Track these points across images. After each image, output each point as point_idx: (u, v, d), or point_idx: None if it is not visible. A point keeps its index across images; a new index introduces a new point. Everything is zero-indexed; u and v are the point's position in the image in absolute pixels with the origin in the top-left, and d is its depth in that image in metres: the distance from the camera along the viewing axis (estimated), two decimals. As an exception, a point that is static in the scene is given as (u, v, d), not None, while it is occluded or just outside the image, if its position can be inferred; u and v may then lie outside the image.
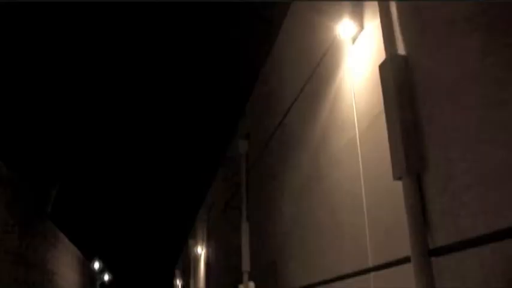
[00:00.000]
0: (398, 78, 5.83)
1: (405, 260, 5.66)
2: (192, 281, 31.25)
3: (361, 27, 7.37)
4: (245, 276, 12.63)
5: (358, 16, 7.45)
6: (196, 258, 29.02)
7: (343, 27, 7.72)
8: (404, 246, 5.61)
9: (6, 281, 14.66)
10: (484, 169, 4.60)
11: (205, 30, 12.59)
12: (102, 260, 43.82)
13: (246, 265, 13.14)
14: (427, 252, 5.29)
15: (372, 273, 6.72)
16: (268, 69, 13.58)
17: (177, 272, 45.11)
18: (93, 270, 40.43)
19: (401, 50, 6.00)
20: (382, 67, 6.12)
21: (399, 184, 5.69)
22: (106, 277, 47.11)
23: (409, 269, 5.53)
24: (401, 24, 6.10)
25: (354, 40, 7.64)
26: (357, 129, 7.35)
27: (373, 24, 6.89)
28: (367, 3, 7.23)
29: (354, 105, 7.50)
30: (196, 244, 29.01)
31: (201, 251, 27.03)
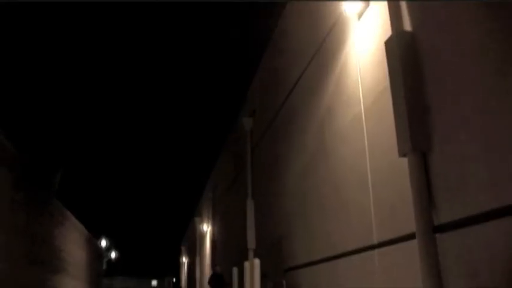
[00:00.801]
0: (404, 54, 5.77)
1: (410, 237, 5.66)
2: (197, 258, 31.54)
3: (367, 3, 7.28)
4: (250, 254, 12.71)
5: (364, -9, 7.36)
6: (202, 236, 29.23)
7: (349, 3, 7.63)
8: (409, 223, 5.61)
9: (15, 258, 14.85)
10: (491, 146, 4.58)
11: (213, 5, 12.49)
12: (108, 237, 44.25)
13: (251, 243, 13.21)
14: (432, 229, 5.30)
15: (377, 250, 6.74)
16: (274, 47, 13.49)
17: (183, 249, 45.50)
18: (100, 247, 40.81)
19: (407, 26, 5.93)
20: (388, 43, 6.06)
21: (404, 161, 5.67)
22: (113, 254, 47.61)
23: (413, 245, 5.54)
24: (407, 1, 6.02)
25: (359, 16, 7.55)
26: (362, 105, 7.31)
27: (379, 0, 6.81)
28: (373, -22, 7.14)
29: (359, 80, 7.44)
30: (202, 222, 29.20)
31: (206, 228, 27.22)
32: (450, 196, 5.08)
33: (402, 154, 5.69)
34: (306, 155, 10.01)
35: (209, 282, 11.68)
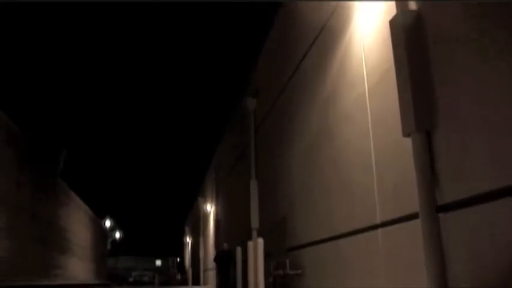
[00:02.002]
0: (408, 33, 5.73)
1: (413, 216, 5.69)
2: (201, 239, 31.77)
3: (372, -19, 7.20)
4: (254, 233, 12.79)
5: (369, -31, 7.29)
6: (206, 216, 29.39)
7: (353, -18, 7.56)
8: (412, 203, 5.63)
9: (21, 237, 14.99)
10: (495, 126, 4.57)
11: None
12: (113, 218, 44.53)
13: (255, 222, 13.28)
14: (435, 209, 5.32)
15: (380, 230, 6.78)
16: (278, 27, 13.41)
17: (187, 229, 45.77)
18: (104, 228, 41.06)
19: (412, 5, 5.88)
20: (393, 22, 6.01)
21: (408, 141, 5.67)
22: (117, 235, 47.95)
23: (416, 225, 5.57)
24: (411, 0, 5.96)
25: (364, -6, 7.49)
26: (366, 85, 7.29)
27: (384, -23, 6.74)
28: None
29: (363, 60, 7.41)
30: (205, 202, 29.34)
31: (210, 208, 27.36)
32: (454, 176, 5.09)
33: (406, 134, 5.69)
34: (309, 135, 10.02)
35: (215, 260, 11.15)
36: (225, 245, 10.70)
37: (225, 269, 10.12)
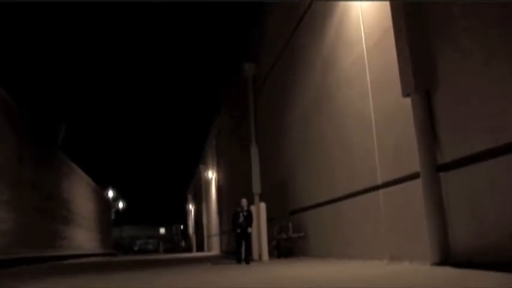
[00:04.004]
0: (407, -9, 5.66)
1: (414, 176, 5.73)
2: (204, 205, 31.98)
3: None
4: (256, 198, 12.85)
5: None
6: (207, 183, 29.52)
7: None
8: (412, 163, 5.66)
9: (27, 210, 15.11)
10: (495, 84, 4.54)
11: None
12: (115, 188, 44.74)
13: (256, 187, 13.33)
14: (436, 168, 5.35)
15: (381, 190, 6.82)
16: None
17: (189, 197, 46.07)
18: (107, 198, 41.30)
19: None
20: (390, -19, 5.93)
21: (408, 101, 5.66)
22: (120, 204, 48.26)
23: (417, 185, 5.61)
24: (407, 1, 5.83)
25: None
26: (364, 45, 7.22)
27: None
28: None
29: (361, 21, 7.33)
30: (206, 169, 29.44)
31: (211, 175, 27.47)
32: (454, 135, 5.10)
33: (406, 94, 5.67)
34: (309, 98, 9.98)
35: (233, 219, 9.66)
36: (244, 202, 9.73)
37: (245, 229, 9.58)
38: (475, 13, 4.70)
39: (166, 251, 43.08)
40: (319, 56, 9.29)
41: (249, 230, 10.00)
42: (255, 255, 10.67)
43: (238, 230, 10.05)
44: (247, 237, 10.15)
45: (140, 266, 11.55)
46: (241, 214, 9.94)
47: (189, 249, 39.95)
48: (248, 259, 9.85)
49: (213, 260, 12.06)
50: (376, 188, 6.90)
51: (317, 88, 9.47)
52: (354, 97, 7.64)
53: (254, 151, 13.23)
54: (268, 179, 13.18)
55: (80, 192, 25.91)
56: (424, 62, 5.45)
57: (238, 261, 9.92)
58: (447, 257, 5.06)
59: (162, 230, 69.28)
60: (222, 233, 23.23)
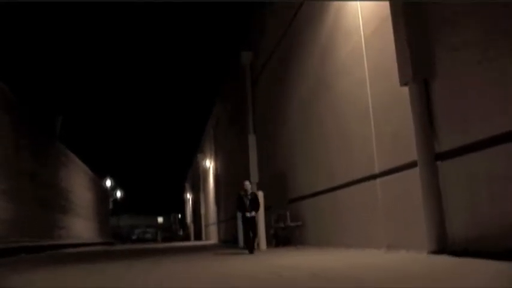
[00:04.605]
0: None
1: (411, 165, 5.74)
2: (202, 195, 32.05)
3: None
4: (254, 187, 12.87)
5: None
6: (205, 172, 29.56)
7: None
8: (410, 152, 5.67)
9: (25, 200, 15.11)
10: (492, 74, 4.55)
11: None
12: (113, 178, 44.78)
13: (254, 176, 13.38)
14: (434, 157, 5.36)
15: (378, 180, 6.84)
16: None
17: (187, 186, 46.14)
18: (105, 188, 41.30)
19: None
20: (389, -31, 5.90)
21: (406, 90, 5.66)
22: (118, 194, 48.33)
23: (414, 173, 5.63)
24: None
25: None
26: (362, 34, 7.21)
27: None
28: None
29: (359, 9, 7.31)
30: (204, 158, 29.44)
31: (209, 164, 27.48)
32: (452, 124, 5.10)
33: (403, 83, 5.67)
34: (307, 87, 9.98)
35: (238, 207, 8.66)
36: (247, 184, 8.46)
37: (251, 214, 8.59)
38: (475, 4, 4.69)
39: (165, 240, 43.17)
40: (317, 44, 9.27)
41: (253, 213, 9.13)
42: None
43: (248, 215, 9.12)
44: (254, 223, 9.28)
45: (138, 255, 11.59)
46: (245, 198, 8.99)
47: (187, 238, 40.10)
48: (252, 247, 8.99)
49: (214, 250, 12.07)
50: (373, 176, 6.92)
51: (315, 77, 9.47)
52: (352, 86, 7.64)
53: (252, 140, 13.26)
54: (266, 168, 13.21)
55: (78, 182, 25.92)
56: (423, 51, 5.45)
57: (251, 251, 8.90)
58: (444, 246, 5.09)
59: (160, 219, 69.44)
60: (219, 222, 23.29)
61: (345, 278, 3.97)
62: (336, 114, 8.41)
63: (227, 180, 21.65)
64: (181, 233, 49.45)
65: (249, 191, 9.45)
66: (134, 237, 53.53)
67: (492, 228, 4.48)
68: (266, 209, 11.28)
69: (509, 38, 4.27)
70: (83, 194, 27.34)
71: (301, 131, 10.46)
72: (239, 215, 10.23)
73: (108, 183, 43.76)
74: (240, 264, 6.59)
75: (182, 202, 53.85)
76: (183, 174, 48.74)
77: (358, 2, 7.31)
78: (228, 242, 17.48)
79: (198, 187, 34.11)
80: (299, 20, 10.40)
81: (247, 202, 9.18)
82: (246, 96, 14.57)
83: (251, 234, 9.18)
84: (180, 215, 60.54)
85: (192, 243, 26.11)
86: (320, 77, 9.18)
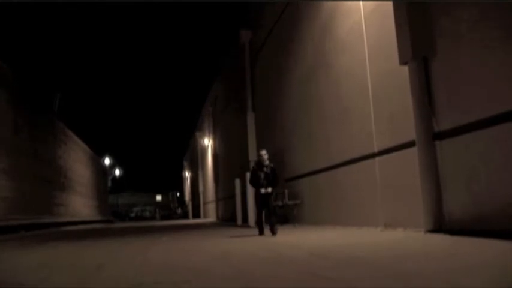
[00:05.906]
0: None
1: (409, 145, 5.75)
2: (200, 172, 32.11)
3: None
4: (252, 165, 12.89)
5: None
6: (204, 150, 29.58)
7: None
8: (409, 131, 5.67)
9: (24, 177, 15.16)
10: (492, 52, 4.53)
11: None
12: (112, 156, 44.88)
13: (252, 155, 13.40)
14: (432, 136, 5.37)
15: (377, 158, 6.86)
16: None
17: (186, 164, 46.20)
18: (104, 166, 41.37)
19: None
20: None
21: (405, 69, 5.64)
22: (117, 172, 48.51)
23: (413, 153, 5.64)
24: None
25: None
26: (362, 12, 7.16)
27: None
28: None
29: (359, -12, 7.26)
30: (203, 136, 29.43)
31: (208, 142, 27.48)
32: (451, 103, 5.10)
33: (403, 62, 5.65)
34: (306, 65, 9.94)
35: (251, 181, 7.38)
36: (264, 154, 7.08)
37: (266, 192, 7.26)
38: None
39: (163, 218, 43.37)
40: (318, 22, 9.21)
41: (268, 189, 7.54)
42: (251, 222, 10.74)
43: (263, 190, 7.56)
44: (269, 201, 7.66)
45: (136, 232, 11.66)
46: (259, 172, 7.65)
47: (185, 216, 40.25)
48: (274, 228, 7.35)
49: (212, 228, 12.12)
50: (372, 155, 6.94)
51: (315, 55, 9.42)
52: (352, 64, 7.61)
53: (250, 118, 13.26)
54: (265, 146, 13.22)
55: (76, 160, 25.95)
56: (423, 29, 5.42)
57: (261, 232, 7.61)
58: (441, 225, 5.13)
59: (159, 197, 69.76)
60: (218, 200, 23.38)
61: (343, 256, 4.01)
62: (335, 92, 8.40)
63: (226, 158, 21.68)
64: (179, 211, 49.63)
65: (266, 162, 7.79)
66: (133, 215, 53.74)
67: (489, 208, 4.52)
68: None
69: (509, 17, 4.24)
70: (81, 171, 27.40)
71: (300, 109, 10.45)
72: (249, 191, 9.40)
73: (107, 161, 43.80)
74: (239, 242, 6.65)
75: (181, 180, 53.99)
76: (182, 152, 48.80)
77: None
78: (228, 221, 17.56)
79: (196, 165, 34.16)
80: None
81: (262, 176, 7.69)
82: (244, 75, 14.53)
83: (265, 214, 7.79)
84: (178, 193, 60.73)
85: (191, 221, 26.26)
86: (320, 55, 9.14)
